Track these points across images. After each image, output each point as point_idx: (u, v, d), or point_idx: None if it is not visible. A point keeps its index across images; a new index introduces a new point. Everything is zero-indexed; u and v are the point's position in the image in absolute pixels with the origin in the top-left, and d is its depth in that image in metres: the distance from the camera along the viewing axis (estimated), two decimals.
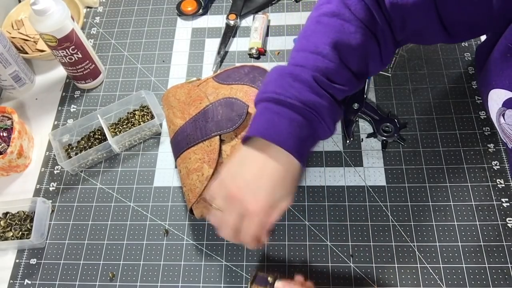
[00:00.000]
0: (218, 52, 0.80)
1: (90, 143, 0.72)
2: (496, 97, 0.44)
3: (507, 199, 0.62)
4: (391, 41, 0.53)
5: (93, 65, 0.76)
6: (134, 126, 0.71)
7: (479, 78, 0.51)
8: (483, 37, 0.78)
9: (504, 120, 0.44)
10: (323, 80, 0.49)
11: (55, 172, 0.71)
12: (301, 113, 0.48)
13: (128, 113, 0.75)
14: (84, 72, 0.75)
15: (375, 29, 0.51)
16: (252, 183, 0.47)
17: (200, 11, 0.86)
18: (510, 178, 0.64)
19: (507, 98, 0.42)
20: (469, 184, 0.64)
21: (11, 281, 0.62)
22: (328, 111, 0.49)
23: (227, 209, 0.49)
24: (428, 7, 0.48)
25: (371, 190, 0.65)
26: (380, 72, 0.75)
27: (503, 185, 0.63)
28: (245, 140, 0.50)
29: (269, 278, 0.52)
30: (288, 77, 0.49)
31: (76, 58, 0.72)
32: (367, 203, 0.64)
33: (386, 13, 0.51)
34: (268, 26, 0.83)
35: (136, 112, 0.74)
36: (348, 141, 0.69)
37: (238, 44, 0.82)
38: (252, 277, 0.54)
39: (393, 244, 0.61)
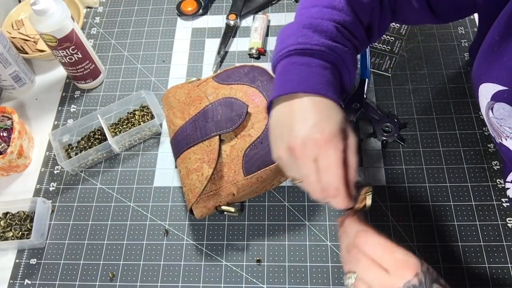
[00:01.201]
0: (218, 52, 0.80)
1: (90, 143, 0.72)
2: (485, 92, 0.44)
3: (507, 199, 0.62)
4: (389, 10, 0.53)
5: (93, 65, 0.76)
6: (134, 126, 0.71)
7: (470, 75, 0.51)
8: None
9: (493, 113, 0.44)
10: (343, 30, 0.47)
11: (55, 172, 0.71)
12: (329, 59, 0.45)
13: (128, 113, 0.75)
14: (84, 72, 0.75)
15: None
16: (305, 126, 0.42)
17: (200, 11, 0.86)
18: (503, 176, 0.64)
19: (495, 92, 0.42)
20: (469, 184, 0.64)
21: (11, 281, 0.62)
22: (351, 57, 0.47)
23: (301, 168, 0.43)
24: None
25: (371, 190, 0.65)
26: (380, 72, 0.75)
27: (503, 185, 0.63)
28: (271, 104, 0.47)
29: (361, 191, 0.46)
30: (308, 29, 0.47)
31: (76, 58, 0.72)
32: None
33: None
34: (268, 26, 0.83)
35: (136, 112, 0.74)
36: None
37: (238, 44, 0.82)
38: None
39: None
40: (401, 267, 0.40)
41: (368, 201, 0.46)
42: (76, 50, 0.71)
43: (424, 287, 0.39)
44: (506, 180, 0.61)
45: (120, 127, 0.73)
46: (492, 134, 0.49)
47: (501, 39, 0.40)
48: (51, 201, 0.68)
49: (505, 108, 0.41)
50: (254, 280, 0.60)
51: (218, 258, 0.62)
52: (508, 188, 0.60)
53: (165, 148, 0.72)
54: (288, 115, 0.44)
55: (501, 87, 0.41)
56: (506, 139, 0.45)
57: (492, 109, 0.44)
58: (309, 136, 0.41)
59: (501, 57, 0.40)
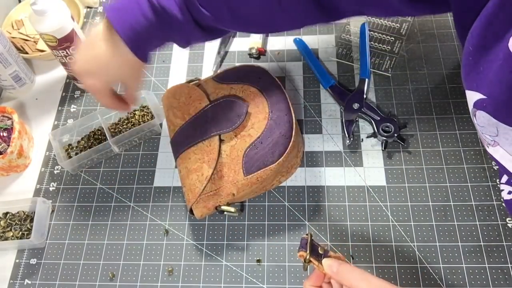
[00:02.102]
0: (218, 52, 0.80)
1: (90, 143, 0.72)
2: (469, 98, 0.44)
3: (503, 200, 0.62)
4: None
5: None
6: (134, 126, 0.71)
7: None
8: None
9: (476, 120, 0.44)
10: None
11: (55, 172, 0.71)
12: (155, 12, 0.49)
13: (128, 113, 0.74)
14: None
15: None
16: (87, 59, 0.52)
17: None
18: (499, 179, 0.64)
19: (476, 100, 0.42)
20: (469, 184, 0.64)
21: (11, 281, 0.63)
22: (181, 25, 0.51)
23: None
24: None
25: (371, 190, 0.65)
26: (380, 72, 0.75)
27: None
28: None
29: (319, 250, 0.46)
30: None
31: None
32: (367, 203, 0.64)
33: None
34: None
35: (136, 112, 0.74)
36: (348, 141, 0.69)
37: (238, 44, 0.82)
38: (308, 243, 0.46)
39: (393, 244, 0.61)
40: None
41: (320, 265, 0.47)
42: (76, 50, 0.71)
43: None
44: (500, 181, 0.61)
45: (120, 127, 0.73)
46: (480, 140, 0.49)
47: (475, 51, 0.40)
48: (51, 201, 0.68)
49: (485, 116, 0.41)
50: (254, 280, 0.60)
51: (218, 258, 0.62)
52: (503, 190, 0.61)
53: (165, 148, 0.72)
54: (92, 41, 0.54)
55: (480, 96, 0.41)
56: (488, 147, 0.45)
57: (475, 116, 0.44)
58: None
59: (477, 67, 0.40)
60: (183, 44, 0.56)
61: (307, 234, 0.47)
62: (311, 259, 0.45)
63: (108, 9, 0.50)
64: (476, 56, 0.40)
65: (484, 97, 0.40)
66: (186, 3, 0.50)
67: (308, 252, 0.46)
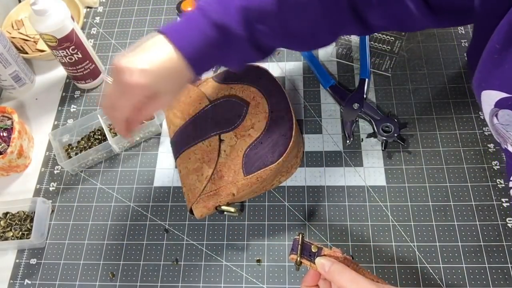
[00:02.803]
0: None
1: (90, 143, 0.72)
2: (488, 98, 0.44)
3: (507, 199, 0.62)
4: (355, 23, 0.52)
5: (93, 65, 0.76)
6: None
7: (472, 80, 0.51)
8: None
9: (498, 120, 0.44)
10: (248, 14, 0.48)
11: (55, 172, 0.71)
12: (216, 30, 0.48)
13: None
14: (84, 72, 0.75)
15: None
16: (141, 58, 0.46)
17: None
18: (507, 178, 0.64)
19: (499, 99, 0.42)
20: (469, 184, 0.64)
21: (11, 281, 0.62)
22: (240, 45, 0.49)
23: (113, 79, 0.48)
24: None
25: (371, 190, 0.65)
26: (380, 72, 0.75)
27: (503, 185, 0.63)
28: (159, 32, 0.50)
29: (312, 248, 0.46)
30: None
31: (76, 58, 0.72)
32: (367, 203, 0.64)
33: None
34: None
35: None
36: (348, 141, 0.69)
37: None
38: (299, 243, 0.46)
39: (393, 244, 0.61)
40: None
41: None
42: (76, 50, 0.71)
43: None
44: (510, 179, 0.61)
45: None
46: (498, 140, 0.48)
47: (502, 48, 0.40)
48: (51, 201, 0.68)
49: (510, 114, 0.41)
50: (254, 280, 0.60)
51: (218, 258, 0.62)
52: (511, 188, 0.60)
53: (165, 148, 0.72)
54: (148, 48, 0.48)
55: (504, 94, 0.41)
56: (507, 145, 0.45)
57: (496, 115, 0.44)
58: (130, 71, 0.46)
59: (502, 64, 0.40)
60: (235, 66, 0.53)
61: (298, 234, 0.47)
62: (303, 260, 0.46)
63: (165, 30, 0.48)
64: (503, 53, 0.40)
65: (509, 95, 0.40)
66: (245, 21, 0.49)
67: (298, 254, 0.46)
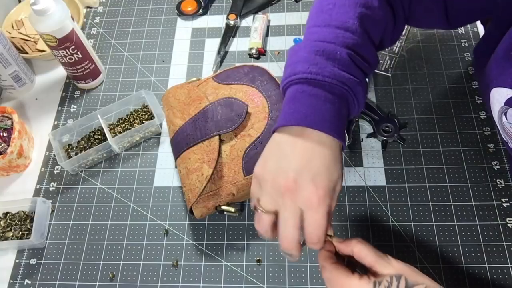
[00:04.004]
0: (218, 52, 0.80)
1: (90, 143, 0.72)
2: (498, 96, 0.44)
3: (507, 199, 0.62)
4: (403, 19, 0.53)
5: (93, 65, 0.76)
6: (134, 126, 0.71)
7: (480, 77, 0.51)
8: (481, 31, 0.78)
9: (506, 118, 0.44)
10: (356, 57, 0.47)
11: (55, 172, 0.71)
12: (339, 93, 0.45)
13: (128, 113, 0.75)
14: (84, 72, 0.75)
15: (393, 4, 0.51)
16: (306, 171, 0.42)
17: (200, 11, 0.86)
18: (510, 178, 0.64)
19: (510, 97, 0.42)
20: (469, 184, 0.64)
21: (11, 281, 0.62)
22: (361, 88, 0.47)
23: (283, 207, 0.42)
24: None
25: (371, 190, 0.65)
26: (380, 72, 0.75)
27: (503, 185, 0.63)
28: (276, 129, 0.46)
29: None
30: (321, 55, 0.46)
31: (76, 58, 0.72)
32: (367, 203, 0.64)
33: None
34: (268, 26, 0.83)
35: (136, 112, 0.74)
36: (348, 141, 0.69)
37: (238, 44, 0.82)
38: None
39: (393, 244, 0.61)
40: None
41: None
42: (76, 50, 0.71)
43: None
44: None
45: (120, 127, 0.73)
46: (505, 139, 0.48)
47: None
48: (51, 201, 0.68)
49: None
50: (254, 280, 0.60)
51: (218, 258, 0.62)
52: None
53: (165, 148, 0.72)
54: (291, 148, 0.44)
55: None
56: None
57: (505, 114, 0.44)
58: (308, 189, 0.42)
59: None
60: (361, 107, 0.49)
61: None
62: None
63: (287, 119, 0.45)
64: None
65: None
66: (356, 64, 0.47)
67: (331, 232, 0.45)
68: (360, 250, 0.42)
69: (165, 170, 0.70)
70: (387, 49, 0.77)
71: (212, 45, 0.82)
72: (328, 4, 0.50)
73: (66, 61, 0.72)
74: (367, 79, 0.50)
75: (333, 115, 0.44)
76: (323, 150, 0.43)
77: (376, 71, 0.75)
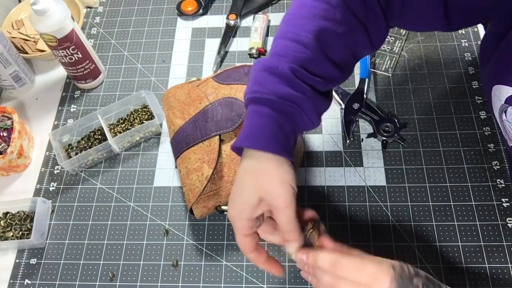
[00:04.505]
0: (218, 52, 0.80)
1: (90, 143, 0.72)
2: (499, 93, 0.44)
3: (507, 199, 0.62)
4: (383, 28, 0.51)
5: (93, 65, 0.76)
6: (134, 126, 0.71)
7: (482, 73, 0.50)
8: (481, 31, 0.78)
9: (506, 117, 0.44)
10: (302, 72, 0.46)
11: (55, 172, 0.71)
12: (280, 108, 0.46)
13: (128, 113, 0.75)
14: (84, 72, 0.75)
15: (364, 17, 0.48)
16: (236, 200, 0.47)
17: (200, 11, 0.86)
18: (510, 178, 0.64)
19: (510, 95, 0.42)
20: (469, 184, 0.64)
21: (11, 281, 0.62)
22: (309, 104, 0.47)
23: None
24: None
25: (371, 190, 0.65)
26: (380, 72, 0.75)
27: (503, 185, 0.63)
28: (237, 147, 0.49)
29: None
30: (265, 72, 0.47)
31: (76, 58, 0.72)
32: (367, 203, 0.64)
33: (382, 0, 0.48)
34: (268, 26, 0.83)
35: (136, 112, 0.74)
36: (348, 141, 0.69)
37: (238, 44, 0.82)
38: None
39: (393, 244, 0.61)
40: (376, 278, 0.41)
41: (315, 238, 0.47)
42: (76, 50, 0.71)
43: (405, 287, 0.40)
44: None
45: (120, 127, 0.73)
46: (505, 137, 0.48)
47: None
48: (51, 201, 0.68)
49: None
50: (254, 280, 0.60)
51: (218, 258, 0.62)
52: None
53: (165, 148, 0.72)
54: (237, 179, 0.48)
55: None
56: None
57: (505, 112, 0.44)
58: (232, 214, 0.47)
59: None
60: (314, 122, 0.49)
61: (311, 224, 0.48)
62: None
63: (238, 140, 0.47)
64: None
65: None
66: (299, 79, 0.47)
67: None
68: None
69: (165, 170, 0.70)
70: (387, 49, 0.77)
71: (212, 45, 0.82)
72: (289, 15, 0.50)
73: (66, 61, 0.72)
74: (338, 90, 0.49)
75: (276, 133, 0.45)
76: (255, 172, 0.46)
77: (376, 71, 0.75)
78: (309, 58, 0.47)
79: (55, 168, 0.72)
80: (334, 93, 0.72)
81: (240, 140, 0.47)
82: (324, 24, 0.47)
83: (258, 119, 0.46)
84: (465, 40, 0.78)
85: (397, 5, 0.49)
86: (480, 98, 0.71)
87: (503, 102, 0.43)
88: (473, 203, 0.63)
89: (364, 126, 0.71)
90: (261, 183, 0.45)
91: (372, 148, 0.68)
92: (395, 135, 0.67)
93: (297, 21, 0.48)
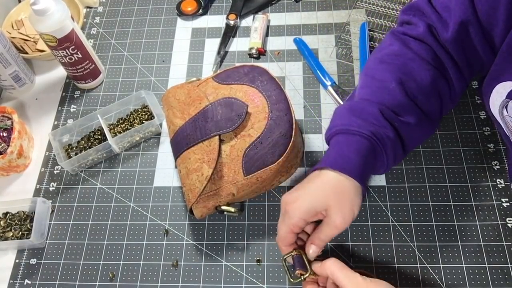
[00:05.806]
0: (218, 52, 0.80)
1: (90, 143, 0.72)
2: (502, 90, 0.44)
3: (507, 199, 0.62)
4: (461, 80, 0.54)
5: (93, 65, 0.76)
6: (134, 126, 0.71)
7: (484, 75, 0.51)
8: None
9: (507, 112, 0.44)
10: (389, 112, 0.51)
11: (55, 172, 0.71)
12: (368, 140, 0.51)
13: (128, 113, 0.75)
14: (84, 72, 0.75)
15: (443, 68, 0.53)
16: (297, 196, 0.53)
17: (200, 11, 0.86)
18: (509, 177, 0.64)
19: (511, 90, 0.42)
20: (469, 184, 0.64)
21: (11, 281, 0.63)
22: (392, 143, 0.51)
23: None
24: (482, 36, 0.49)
25: (371, 190, 0.65)
26: None
27: (503, 185, 0.63)
28: (316, 169, 0.53)
29: (303, 256, 0.53)
30: (353, 112, 0.53)
31: (76, 58, 0.72)
32: (367, 203, 0.64)
33: (449, 53, 0.52)
34: (268, 26, 0.83)
35: (136, 112, 0.74)
36: None
37: (238, 44, 0.82)
38: (306, 261, 0.53)
39: (393, 244, 0.61)
40: None
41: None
42: (76, 50, 0.71)
43: None
44: None
45: (120, 127, 0.73)
46: (507, 133, 0.48)
47: None
48: (51, 201, 0.68)
49: None
50: (254, 280, 0.60)
51: (218, 258, 0.62)
52: None
53: (165, 148, 0.72)
54: (312, 183, 0.53)
55: None
56: None
57: (506, 107, 0.44)
58: (293, 208, 0.53)
59: None
60: (388, 165, 0.54)
61: (296, 251, 0.53)
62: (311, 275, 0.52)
63: (323, 162, 0.52)
64: None
65: None
66: (389, 120, 0.52)
67: (310, 269, 0.52)
68: (333, 273, 0.48)
69: (165, 170, 0.70)
70: None
71: (212, 45, 0.82)
72: (371, 70, 0.56)
73: (66, 61, 0.72)
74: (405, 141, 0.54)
75: (361, 163, 0.50)
76: (350, 189, 0.51)
77: None
78: (396, 100, 0.52)
79: (55, 168, 0.72)
80: (334, 93, 0.73)
81: (330, 162, 0.51)
82: (404, 74, 0.53)
83: (347, 147, 0.51)
84: None
85: (461, 59, 0.53)
86: (480, 98, 0.71)
87: (504, 97, 0.43)
88: (473, 203, 0.63)
89: None
90: (335, 200, 0.50)
91: None
92: None
93: (379, 73, 0.54)
